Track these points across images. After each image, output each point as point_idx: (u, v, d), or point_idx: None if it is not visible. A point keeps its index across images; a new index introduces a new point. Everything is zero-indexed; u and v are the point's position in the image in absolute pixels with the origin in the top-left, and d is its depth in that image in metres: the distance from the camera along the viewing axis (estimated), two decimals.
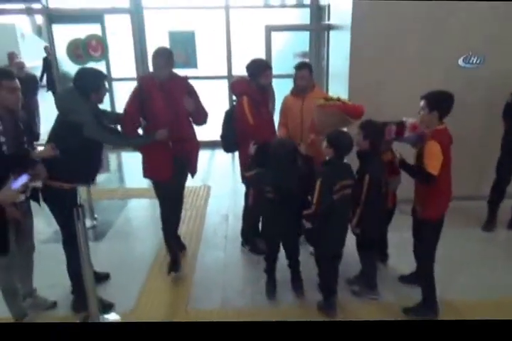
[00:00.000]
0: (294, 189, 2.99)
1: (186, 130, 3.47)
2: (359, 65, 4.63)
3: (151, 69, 3.44)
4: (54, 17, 7.03)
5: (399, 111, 4.28)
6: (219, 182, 5.84)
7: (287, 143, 3.10)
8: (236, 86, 3.65)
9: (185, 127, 3.45)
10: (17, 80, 2.74)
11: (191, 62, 7.24)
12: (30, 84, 7.24)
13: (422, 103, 2.88)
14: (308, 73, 3.71)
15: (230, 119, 3.58)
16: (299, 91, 3.75)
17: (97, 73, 3.09)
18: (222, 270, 3.72)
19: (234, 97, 3.71)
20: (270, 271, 3.38)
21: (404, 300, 3.16)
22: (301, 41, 7.34)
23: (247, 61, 3.65)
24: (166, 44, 6.78)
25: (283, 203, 3.02)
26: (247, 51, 7.79)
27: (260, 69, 3.53)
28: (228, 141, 3.65)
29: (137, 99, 3.31)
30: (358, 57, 4.63)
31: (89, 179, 3.28)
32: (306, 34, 7.28)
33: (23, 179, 2.38)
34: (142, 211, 5.07)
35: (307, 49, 7.30)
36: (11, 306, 2.90)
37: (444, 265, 3.27)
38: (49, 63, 9.22)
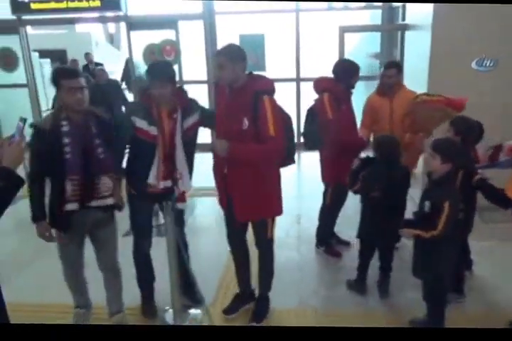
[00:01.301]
0: (397, 187, 2.98)
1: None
2: (439, 65, 4.51)
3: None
4: (132, 24, 7.37)
5: (481, 112, 4.10)
6: (291, 182, 5.84)
7: (392, 138, 3.08)
8: (319, 83, 3.64)
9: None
10: (80, 79, 2.44)
11: (260, 64, 7.34)
12: (115, 90, 7.01)
13: None
14: (397, 72, 3.68)
15: (312, 117, 3.58)
16: (387, 90, 3.71)
17: (158, 63, 2.92)
18: (297, 270, 3.69)
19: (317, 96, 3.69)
20: (362, 269, 3.34)
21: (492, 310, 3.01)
22: (372, 42, 7.23)
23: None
24: None
25: (387, 202, 2.98)
26: (315, 53, 7.78)
27: (353, 70, 3.54)
28: (310, 139, 3.64)
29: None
30: (438, 57, 4.51)
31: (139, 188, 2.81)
32: (376, 35, 7.17)
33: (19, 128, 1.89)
34: (213, 209, 5.14)
35: (377, 50, 7.19)
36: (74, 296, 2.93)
37: None
38: (90, 72, 9.44)
